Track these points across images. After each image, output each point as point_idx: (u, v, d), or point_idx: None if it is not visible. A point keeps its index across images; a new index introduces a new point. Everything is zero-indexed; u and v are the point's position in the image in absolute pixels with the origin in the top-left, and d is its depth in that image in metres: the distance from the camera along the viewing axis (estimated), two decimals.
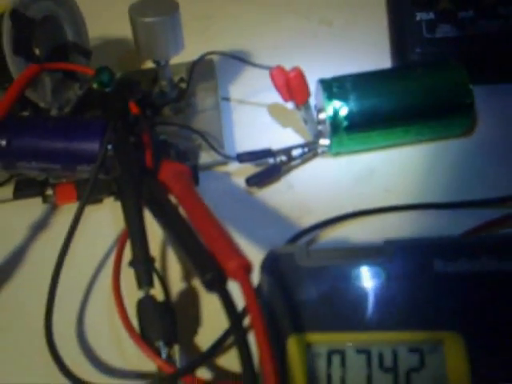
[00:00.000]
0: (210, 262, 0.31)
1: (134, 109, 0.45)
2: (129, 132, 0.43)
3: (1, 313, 0.43)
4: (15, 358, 0.40)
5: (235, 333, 0.29)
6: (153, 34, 0.48)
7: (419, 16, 0.55)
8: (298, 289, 0.33)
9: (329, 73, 0.51)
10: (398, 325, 0.32)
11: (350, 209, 0.46)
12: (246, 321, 0.37)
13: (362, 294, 0.33)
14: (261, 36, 0.66)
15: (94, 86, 0.45)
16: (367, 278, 0.33)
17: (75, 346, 0.40)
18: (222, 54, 0.56)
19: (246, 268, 0.31)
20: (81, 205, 0.41)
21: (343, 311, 0.32)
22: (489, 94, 0.53)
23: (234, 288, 0.31)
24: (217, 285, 0.30)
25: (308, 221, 0.45)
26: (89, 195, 0.41)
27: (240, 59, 0.55)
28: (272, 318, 0.32)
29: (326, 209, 0.46)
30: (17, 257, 0.46)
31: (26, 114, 0.51)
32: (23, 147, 0.43)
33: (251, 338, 0.30)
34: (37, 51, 0.49)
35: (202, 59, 0.55)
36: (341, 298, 0.33)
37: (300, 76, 0.47)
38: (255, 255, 0.34)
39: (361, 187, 0.48)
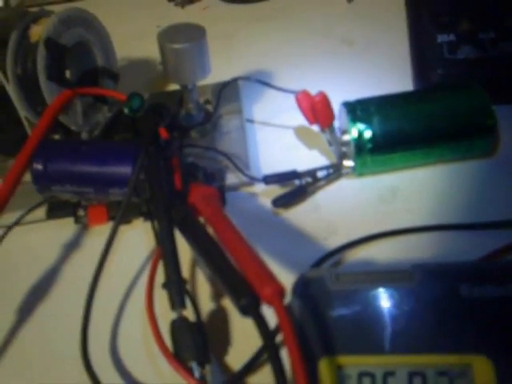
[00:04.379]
0: (244, 287, 0.32)
1: (164, 134, 0.46)
2: (160, 156, 0.44)
3: (37, 331, 0.44)
4: (51, 375, 0.41)
5: (271, 356, 0.30)
6: (181, 59, 0.49)
7: (440, 38, 0.56)
8: (329, 312, 0.34)
9: (350, 93, 0.52)
10: (427, 348, 0.32)
11: (373, 228, 0.47)
12: (279, 341, 0.38)
13: (391, 318, 0.33)
14: (283, 55, 0.67)
15: (126, 111, 0.46)
16: (396, 302, 0.34)
17: (110, 364, 0.41)
18: (248, 79, 0.57)
19: (280, 293, 0.32)
20: (114, 226, 0.42)
21: (373, 335, 0.33)
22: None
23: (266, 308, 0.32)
24: (251, 310, 0.32)
25: (334, 241, 0.46)
26: (122, 217, 0.43)
27: (266, 84, 0.56)
28: (303, 341, 0.33)
29: (351, 229, 0.47)
30: (49, 275, 0.48)
31: (57, 136, 0.52)
32: (58, 171, 0.44)
33: (284, 359, 0.31)
34: (69, 76, 0.50)
35: (228, 84, 0.57)
36: (370, 322, 0.34)
37: (325, 100, 0.48)
38: (282, 275, 0.35)
39: (384, 207, 0.49)
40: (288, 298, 0.35)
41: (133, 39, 0.69)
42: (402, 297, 0.34)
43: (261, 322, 0.31)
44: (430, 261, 0.44)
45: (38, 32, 0.49)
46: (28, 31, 0.50)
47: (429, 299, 0.34)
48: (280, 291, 0.32)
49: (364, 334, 0.33)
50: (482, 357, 0.31)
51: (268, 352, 0.31)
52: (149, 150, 0.43)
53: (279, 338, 0.38)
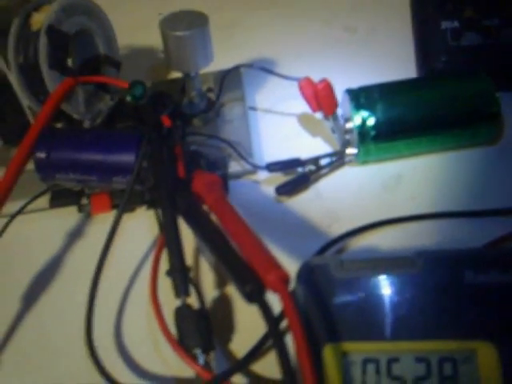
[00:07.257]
0: (248, 274, 0.32)
1: (166, 122, 0.46)
2: (163, 144, 0.44)
3: (41, 319, 0.44)
4: (56, 363, 0.42)
5: (276, 343, 0.30)
6: (183, 47, 0.49)
7: (444, 24, 0.55)
8: (333, 299, 0.34)
9: (354, 80, 0.52)
10: (431, 334, 0.33)
11: (377, 216, 0.47)
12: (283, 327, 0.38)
13: (395, 305, 0.33)
14: (285, 43, 0.67)
15: (128, 99, 0.46)
16: (400, 289, 0.34)
17: (115, 352, 0.42)
18: (251, 67, 0.57)
19: (285, 280, 0.32)
20: (118, 214, 0.42)
21: (377, 321, 0.33)
22: None
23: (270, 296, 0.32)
24: (256, 296, 0.32)
25: (337, 229, 0.46)
26: (125, 205, 0.43)
27: (268, 71, 0.55)
28: (308, 327, 0.33)
29: (354, 217, 0.47)
30: (53, 264, 0.48)
31: (59, 125, 0.52)
32: (61, 159, 0.44)
33: (289, 345, 0.31)
34: (71, 65, 0.50)
35: (230, 72, 0.56)
36: (374, 309, 0.34)
37: (328, 87, 0.48)
38: (286, 263, 0.35)
39: (388, 195, 0.49)
40: (292, 285, 0.35)
41: (135, 27, 0.69)
42: (406, 283, 0.34)
43: (265, 309, 0.31)
44: (434, 248, 0.44)
45: (39, 20, 0.49)
46: (29, 19, 0.49)
47: (433, 286, 0.34)
48: (284, 277, 0.32)
49: (368, 320, 0.34)
50: (486, 343, 0.32)
51: (273, 338, 0.31)
52: (152, 138, 0.43)
53: (284, 324, 0.39)
